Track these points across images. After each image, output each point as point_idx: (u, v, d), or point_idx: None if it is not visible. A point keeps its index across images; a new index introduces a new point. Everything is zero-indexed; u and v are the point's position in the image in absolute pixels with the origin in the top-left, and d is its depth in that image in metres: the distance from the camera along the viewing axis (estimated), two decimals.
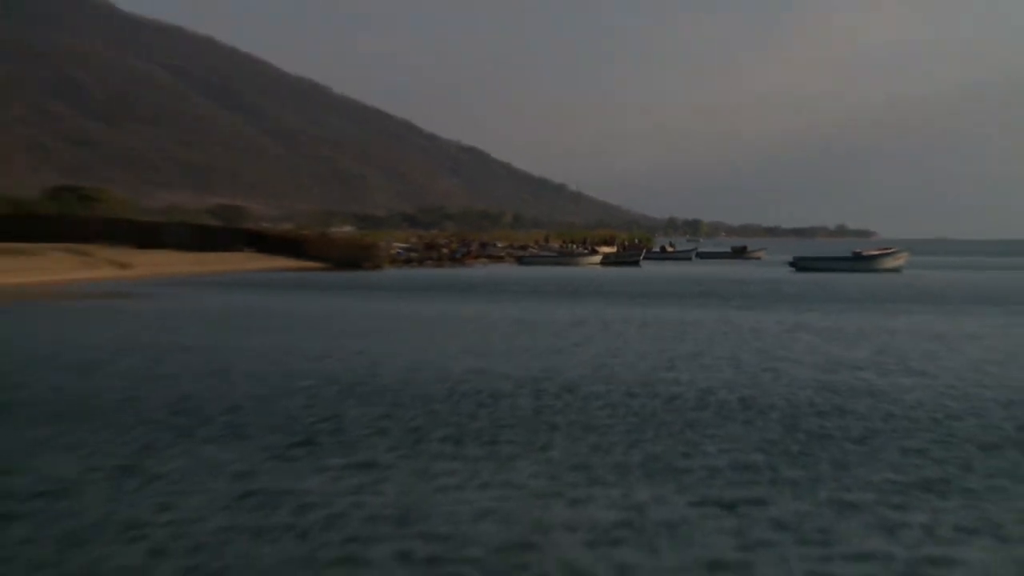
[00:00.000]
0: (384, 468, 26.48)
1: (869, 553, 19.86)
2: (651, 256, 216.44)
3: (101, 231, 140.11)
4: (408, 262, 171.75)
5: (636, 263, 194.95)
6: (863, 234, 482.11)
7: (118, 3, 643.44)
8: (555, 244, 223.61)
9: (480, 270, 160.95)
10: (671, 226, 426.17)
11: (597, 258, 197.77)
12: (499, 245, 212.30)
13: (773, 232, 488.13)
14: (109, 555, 19.36)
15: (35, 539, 20.36)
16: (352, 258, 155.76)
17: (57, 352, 51.35)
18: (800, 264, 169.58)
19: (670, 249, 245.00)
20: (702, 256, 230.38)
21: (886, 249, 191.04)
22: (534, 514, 22.29)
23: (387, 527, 21.27)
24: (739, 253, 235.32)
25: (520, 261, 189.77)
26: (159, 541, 20.19)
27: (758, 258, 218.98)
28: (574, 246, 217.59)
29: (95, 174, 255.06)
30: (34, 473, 25.28)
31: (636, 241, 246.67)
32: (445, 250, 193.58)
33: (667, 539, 20.62)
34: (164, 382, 41.03)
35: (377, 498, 23.48)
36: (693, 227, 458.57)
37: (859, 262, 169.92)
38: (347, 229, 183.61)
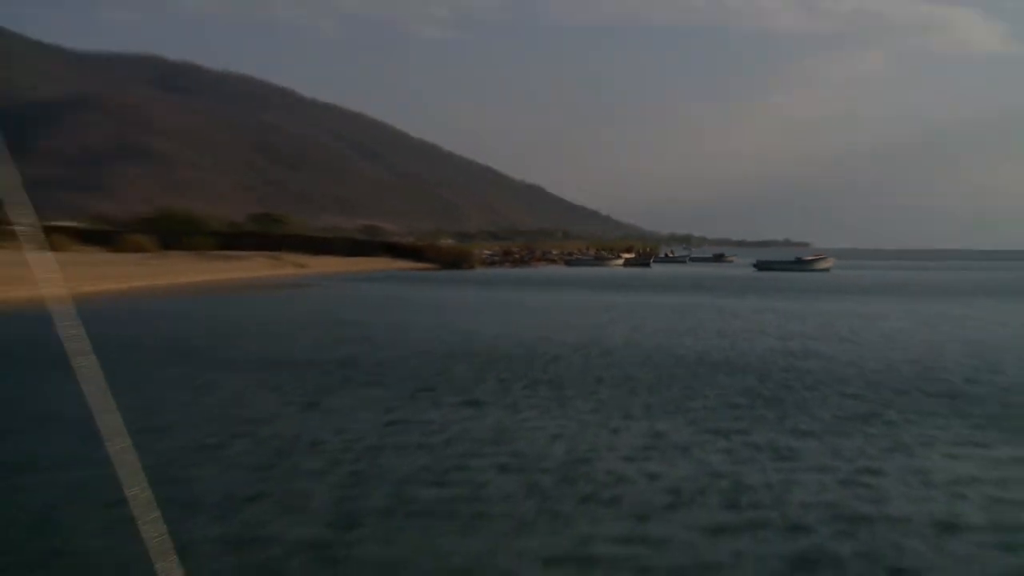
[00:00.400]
0: (483, 406, 26.38)
1: (822, 466, 19.64)
2: (658, 260, 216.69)
3: (286, 243, 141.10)
4: (492, 263, 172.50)
5: (647, 264, 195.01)
6: (802, 245, 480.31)
7: (298, 90, 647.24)
8: (591, 252, 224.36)
9: (541, 269, 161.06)
10: (671, 239, 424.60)
11: (620, 261, 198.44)
12: (554, 252, 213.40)
13: (741, 243, 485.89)
14: (302, 462, 19.30)
15: (252, 451, 20.41)
16: (455, 261, 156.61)
17: (262, 322, 51.58)
18: (760, 265, 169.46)
19: (671, 255, 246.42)
20: (693, 260, 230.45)
21: (819, 255, 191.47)
22: (587, 438, 22.10)
23: (486, 446, 21.15)
24: (718, 258, 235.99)
25: (567, 263, 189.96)
26: (333, 453, 20.18)
27: (731, 261, 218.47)
28: (605, 253, 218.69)
29: (282, 205, 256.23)
30: (249, 407, 25.27)
31: (647, 249, 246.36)
32: (517, 255, 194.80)
33: (680, 456, 20.39)
34: (332, 345, 41.14)
35: (479, 425, 23.35)
36: (686, 239, 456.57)
37: (800, 264, 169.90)
38: (449, 241, 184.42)
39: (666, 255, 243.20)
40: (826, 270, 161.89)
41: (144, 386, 27.86)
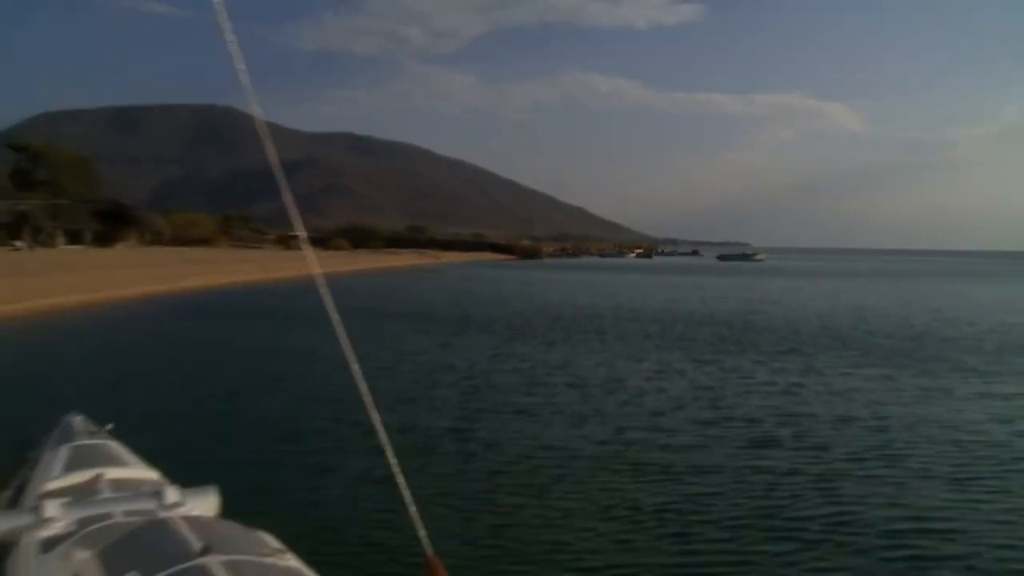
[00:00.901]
0: (553, 345, 25.81)
1: (767, 381, 19.09)
2: (657, 254, 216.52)
3: (427, 244, 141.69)
4: (554, 256, 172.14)
5: (650, 256, 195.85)
6: (745, 244, 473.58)
7: (434, 150, 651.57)
8: (616, 248, 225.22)
9: (585, 260, 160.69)
10: (664, 240, 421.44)
11: (634, 255, 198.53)
12: (592, 249, 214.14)
13: (708, 243, 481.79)
14: (441, 378, 18.93)
15: (412, 371, 20.02)
16: (530, 254, 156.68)
17: (414, 291, 51.52)
18: (721, 257, 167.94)
19: (665, 251, 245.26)
20: (678, 254, 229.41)
21: (756, 252, 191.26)
22: (619, 366, 21.54)
23: (556, 370, 20.63)
24: (694, 253, 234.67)
25: (601, 256, 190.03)
26: (459, 373, 19.77)
27: (702, 255, 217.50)
28: (624, 249, 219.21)
29: (424, 221, 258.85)
30: (406, 345, 24.94)
31: (649, 247, 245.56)
32: (569, 251, 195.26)
33: (678, 377, 19.84)
34: (456, 305, 40.64)
35: (551, 357, 22.85)
36: (674, 241, 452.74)
37: (745, 257, 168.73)
38: (526, 242, 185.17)
39: (662, 251, 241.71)
40: (762, 260, 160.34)
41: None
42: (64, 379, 18.52)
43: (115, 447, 5.21)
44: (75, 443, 5.23)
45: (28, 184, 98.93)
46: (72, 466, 4.60)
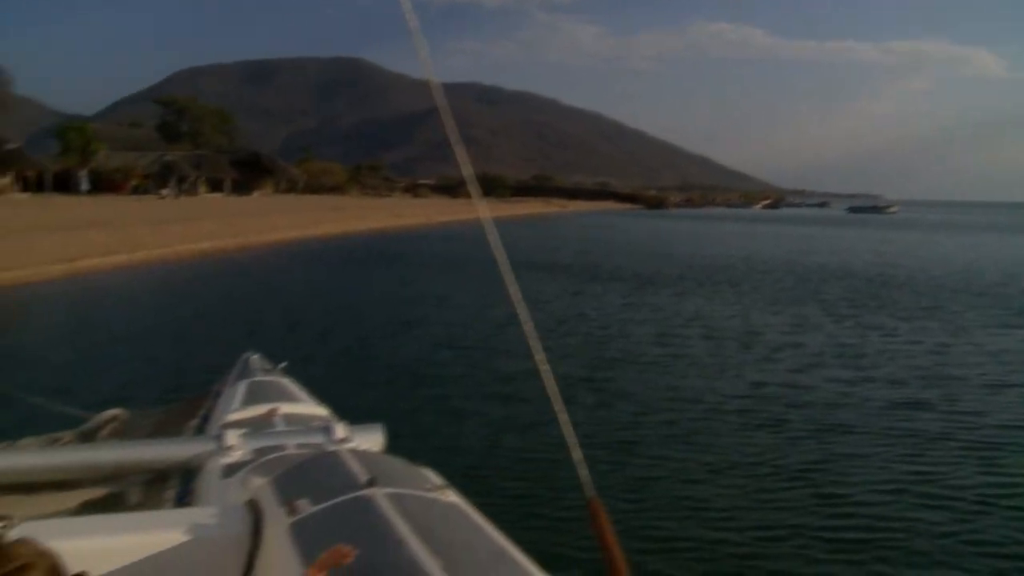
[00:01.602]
0: (685, 295, 25.39)
1: (911, 340, 18.02)
2: (785, 205, 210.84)
3: (553, 192, 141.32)
4: (679, 206, 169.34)
5: (777, 207, 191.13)
6: (876, 197, 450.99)
7: (560, 100, 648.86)
8: (741, 199, 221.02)
9: (710, 211, 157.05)
10: (791, 191, 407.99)
11: (760, 205, 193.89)
12: (718, 199, 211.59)
13: (837, 195, 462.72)
14: (574, 327, 18.90)
15: (544, 320, 19.81)
16: (656, 204, 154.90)
17: (541, 240, 51.44)
18: (852, 210, 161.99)
19: (793, 202, 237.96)
20: (807, 206, 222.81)
21: (889, 204, 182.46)
22: (754, 318, 20.92)
23: (689, 321, 20.25)
24: (822, 205, 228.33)
25: (727, 206, 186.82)
26: (591, 321, 19.63)
27: (831, 207, 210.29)
28: (752, 201, 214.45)
29: (550, 170, 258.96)
30: (535, 293, 24.90)
31: (777, 198, 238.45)
32: (695, 201, 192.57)
33: (815, 331, 19.02)
34: (584, 254, 40.16)
35: (684, 308, 22.51)
36: (802, 193, 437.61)
37: (877, 210, 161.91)
38: (652, 191, 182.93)
39: (789, 203, 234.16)
40: (894, 213, 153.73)
41: (479, 280, 28.07)
42: (229, 320, 19.55)
43: (288, 384, 5.49)
44: (252, 379, 5.58)
45: (173, 136, 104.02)
46: (250, 400, 4.87)
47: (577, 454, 1.98)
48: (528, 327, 2.14)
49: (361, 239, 47.94)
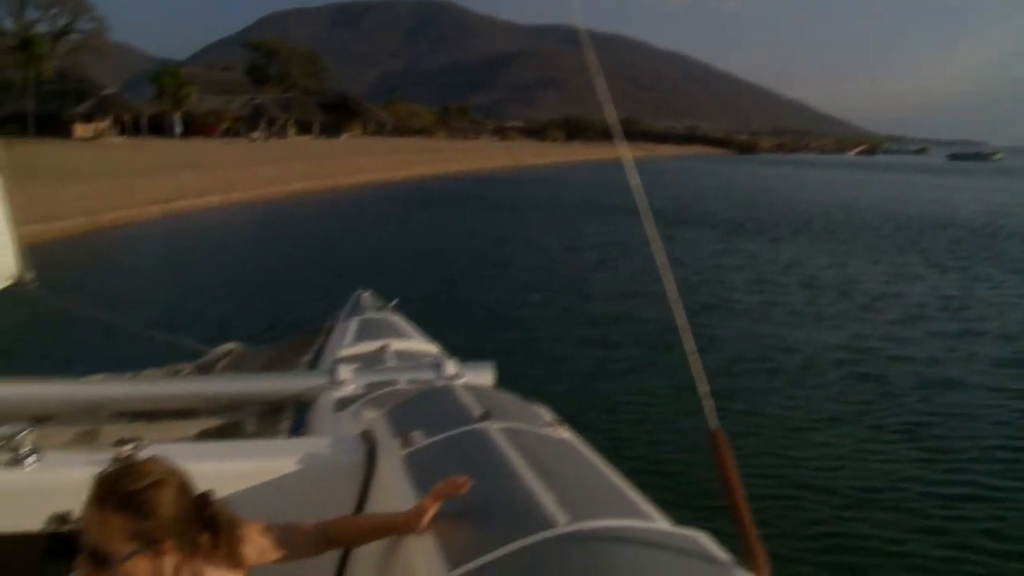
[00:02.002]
0: (780, 243, 24.78)
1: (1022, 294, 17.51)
2: (882, 152, 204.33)
3: (641, 136, 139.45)
4: (771, 151, 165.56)
5: (873, 154, 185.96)
6: (979, 144, 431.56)
7: (651, 42, 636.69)
8: (836, 145, 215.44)
9: (803, 156, 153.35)
10: (887, 138, 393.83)
11: (855, 152, 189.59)
12: (811, 146, 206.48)
13: (937, 141, 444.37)
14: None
15: (643, 272, 19.94)
16: (746, 148, 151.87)
17: (626, 183, 50.20)
18: (952, 156, 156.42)
19: (889, 149, 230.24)
20: (905, 153, 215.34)
21: (992, 151, 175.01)
22: (853, 267, 20.34)
23: (785, 269, 19.80)
24: (922, 151, 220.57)
25: (820, 152, 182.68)
26: (681, 272, 19.21)
27: (930, 154, 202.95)
28: (846, 147, 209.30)
29: (638, 113, 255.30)
30: (626, 237, 24.40)
31: (872, 145, 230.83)
32: (788, 146, 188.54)
33: (918, 282, 18.39)
34: (674, 200, 38.64)
35: (779, 256, 22.02)
36: (899, 139, 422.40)
37: (979, 156, 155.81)
38: (742, 136, 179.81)
39: (886, 149, 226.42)
40: (999, 160, 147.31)
41: (572, 221, 27.90)
42: (324, 259, 19.96)
43: (399, 321, 5.56)
44: (364, 316, 5.67)
45: (262, 79, 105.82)
46: (361, 336, 4.95)
47: (704, 385, 1.94)
48: (661, 258, 2.09)
49: (450, 181, 48.12)
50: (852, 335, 13.31)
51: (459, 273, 18.14)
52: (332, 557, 2.59)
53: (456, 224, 27.48)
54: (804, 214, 34.21)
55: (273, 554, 1.97)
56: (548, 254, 21.32)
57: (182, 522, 1.70)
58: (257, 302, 14.96)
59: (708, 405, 1.89)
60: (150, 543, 1.64)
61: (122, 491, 1.62)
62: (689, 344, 2.05)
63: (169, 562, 1.71)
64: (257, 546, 1.93)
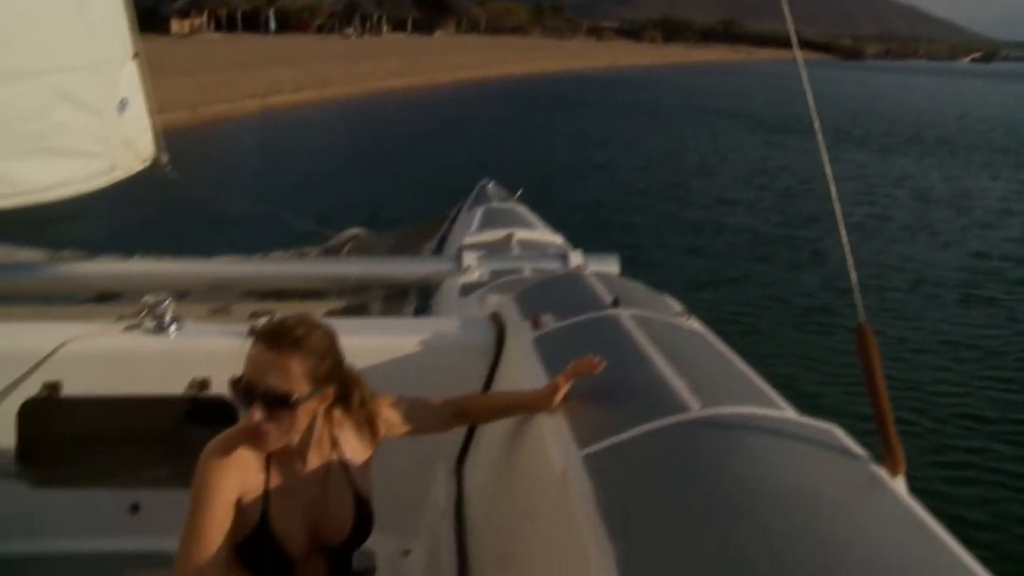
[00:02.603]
0: (890, 153, 23.70)
1: None
2: (1000, 59, 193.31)
3: (739, 39, 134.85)
4: (877, 57, 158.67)
5: (990, 62, 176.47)
6: None
7: None
8: (948, 52, 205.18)
9: (912, 62, 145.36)
10: (1010, 44, 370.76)
11: (968, 59, 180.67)
12: (921, 52, 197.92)
13: None
14: (768, 181, 18.20)
15: (743, 179, 19.41)
16: (852, 54, 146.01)
17: (724, 88, 49.18)
18: None
19: (1010, 57, 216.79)
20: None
21: None
22: (968, 181, 19.34)
23: (896, 181, 18.96)
24: None
25: (930, 59, 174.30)
26: (777, 176, 18.81)
27: None
28: (959, 53, 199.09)
29: (739, 15, 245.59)
30: (726, 142, 23.90)
31: (989, 52, 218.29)
32: (896, 51, 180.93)
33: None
34: (774, 106, 36.75)
35: (889, 168, 21.04)
36: (1020, 46, 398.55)
37: None
38: (847, 41, 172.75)
39: (1005, 57, 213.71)
40: None
41: (665, 124, 27.31)
42: (427, 152, 20.01)
43: (523, 211, 5.56)
44: (489, 205, 5.68)
45: None
46: (486, 224, 4.97)
47: (853, 276, 1.87)
48: (823, 164, 2.00)
49: (545, 80, 47.36)
50: (970, 254, 12.72)
51: (561, 171, 18.02)
52: (458, 434, 2.67)
53: (555, 123, 27.07)
54: (914, 124, 32.58)
55: (403, 427, 2.02)
56: (643, 156, 20.88)
57: (339, 371, 1.77)
58: (371, 193, 15.12)
59: (857, 298, 1.82)
60: (321, 385, 1.70)
61: (294, 335, 1.66)
62: (842, 236, 1.98)
63: (325, 414, 1.80)
64: (388, 419, 1.97)
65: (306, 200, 14.05)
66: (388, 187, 15.72)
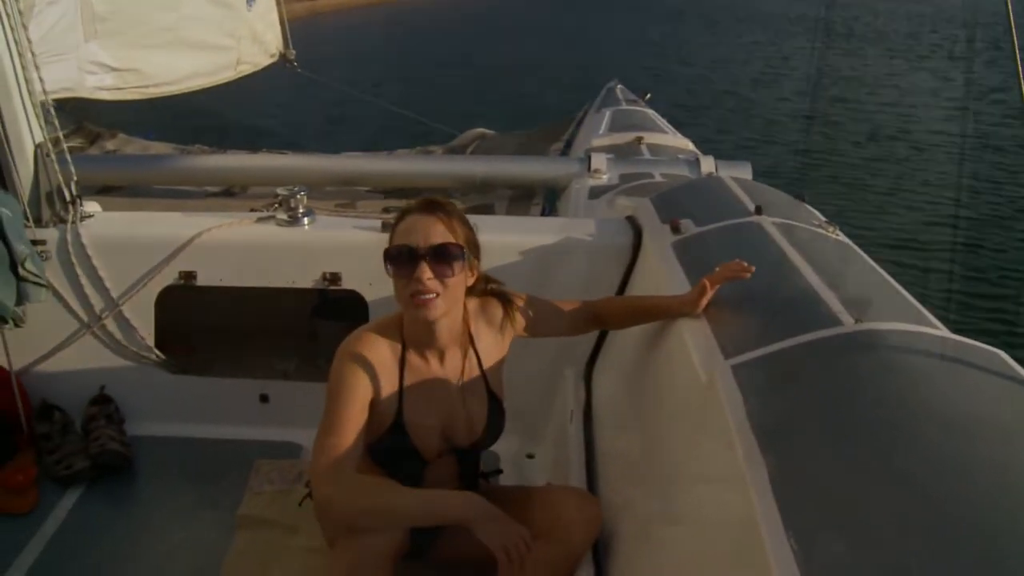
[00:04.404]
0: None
1: None
2: None
3: None
4: None
5: None
6: None
7: None
8: None
9: None
10: None
11: None
12: None
13: None
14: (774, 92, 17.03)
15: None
16: None
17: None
18: None
19: None
20: None
21: None
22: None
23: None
24: None
25: None
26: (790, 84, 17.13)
27: None
28: None
29: None
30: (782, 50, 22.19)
31: None
32: None
33: None
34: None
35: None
36: None
37: None
38: None
39: None
40: None
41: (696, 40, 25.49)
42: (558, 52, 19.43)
43: (652, 115, 5.42)
44: (617, 107, 5.55)
45: None
46: (614, 127, 4.88)
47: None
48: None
49: None
50: None
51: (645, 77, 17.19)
52: (588, 338, 2.60)
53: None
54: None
55: (536, 328, 1.97)
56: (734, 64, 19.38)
57: (479, 253, 1.81)
58: (495, 91, 14.87)
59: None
60: (476, 253, 1.77)
61: (449, 205, 1.75)
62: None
63: (468, 292, 1.81)
64: (522, 317, 1.94)
65: (428, 97, 13.99)
66: (513, 86, 15.34)
